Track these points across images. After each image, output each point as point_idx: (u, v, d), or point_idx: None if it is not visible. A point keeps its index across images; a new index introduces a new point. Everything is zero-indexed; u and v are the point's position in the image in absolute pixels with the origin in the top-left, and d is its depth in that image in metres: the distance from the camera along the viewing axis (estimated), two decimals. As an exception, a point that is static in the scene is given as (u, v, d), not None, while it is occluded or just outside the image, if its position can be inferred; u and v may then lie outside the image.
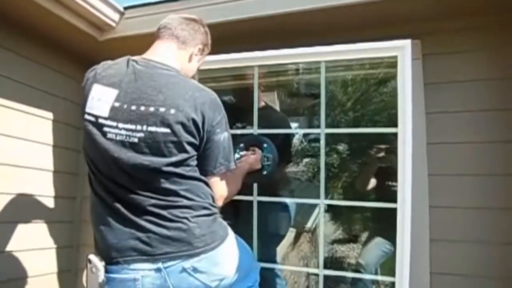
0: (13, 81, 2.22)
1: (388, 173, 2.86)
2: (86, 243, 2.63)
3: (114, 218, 1.30)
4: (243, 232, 1.73)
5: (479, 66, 2.05)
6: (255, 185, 2.12)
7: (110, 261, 1.30)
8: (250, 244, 1.99)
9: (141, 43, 1.88)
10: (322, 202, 2.10)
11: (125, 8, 2.33)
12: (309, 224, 3.73)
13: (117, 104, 1.29)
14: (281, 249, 2.56)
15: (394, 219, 1.89)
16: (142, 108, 1.28)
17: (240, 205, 2.22)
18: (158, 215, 1.29)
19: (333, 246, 4.23)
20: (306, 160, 4.22)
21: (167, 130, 1.27)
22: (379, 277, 1.99)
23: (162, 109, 1.27)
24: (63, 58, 2.55)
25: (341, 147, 4.00)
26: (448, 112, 2.05)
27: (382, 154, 2.99)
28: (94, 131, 1.30)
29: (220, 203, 1.48)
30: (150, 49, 1.47)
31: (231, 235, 1.47)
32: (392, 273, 1.90)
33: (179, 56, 1.47)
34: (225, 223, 1.47)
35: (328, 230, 3.84)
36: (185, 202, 1.32)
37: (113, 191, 1.32)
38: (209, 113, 1.33)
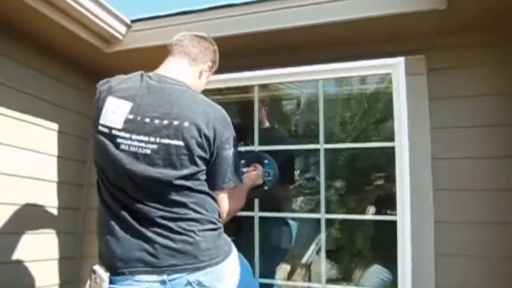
0: (19, 91, 2.24)
1: (387, 201, 2.85)
2: (89, 255, 2.62)
3: (121, 227, 1.30)
4: (243, 248, 1.75)
5: (485, 81, 2.07)
6: (256, 201, 2.19)
7: (114, 271, 1.29)
8: (251, 259, 2.08)
9: (148, 56, 1.96)
10: (323, 216, 2.16)
11: (132, 21, 2.37)
12: (304, 260, 3.76)
13: (131, 117, 1.31)
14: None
15: (393, 248, 1.92)
16: (156, 121, 1.30)
17: (240, 221, 2.24)
18: (166, 227, 1.29)
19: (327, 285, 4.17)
20: (302, 198, 4.32)
21: (180, 143, 1.29)
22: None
23: (176, 122, 1.30)
24: (70, 69, 2.59)
25: (339, 183, 4.04)
26: (453, 127, 2.06)
27: (380, 182, 2.99)
28: (107, 142, 1.31)
29: (226, 218, 1.50)
30: (162, 65, 1.50)
31: (235, 251, 1.47)
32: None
33: (190, 72, 1.51)
34: (229, 239, 1.47)
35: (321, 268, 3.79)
36: (193, 215, 1.32)
37: (121, 201, 1.32)
38: (219, 129, 1.36)
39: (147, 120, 1.30)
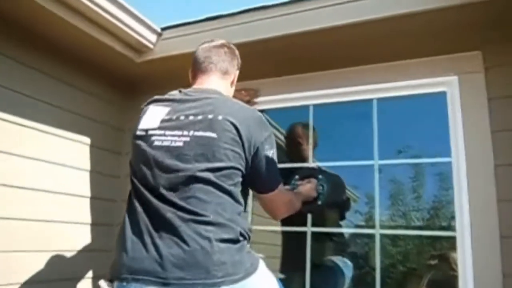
0: (50, 105, 2.29)
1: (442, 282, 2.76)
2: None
3: (136, 232, 1.30)
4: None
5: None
6: (309, 217, 2.26)
7: (119, 276, 1.27)
8: (304, 276, 2.22)
9: (179, 64, 1.97)
10: (378, 232, 2.14)
11: (162, 29, 2.39)
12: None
13: (167, 117, 1.43)
14: None
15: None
16: (191, 117, 1.39)
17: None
18: (180, 232, 1.25)
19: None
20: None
21: (213, 135, 1.34)
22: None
23: (210, 116, 1.38)
24: (101, 82, 2.64)
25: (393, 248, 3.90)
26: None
27: (435, 261, 2.94)
28: (142, 143, 1.41)
29: (282, 211, 1.65)
30: (195, 82, 1.62)
31: (262, 271, 1.38)
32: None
33: (223, 85, 1.62)
34: (256, 255, 1.40)
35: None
36: (212, 217, 1.28)
37: (143, 200, 1.34)
38: (256, 128, 1.42)
39: (182, 117, 1.40)
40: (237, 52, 1.71)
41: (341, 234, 2.55)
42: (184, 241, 1.23)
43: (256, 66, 2.19)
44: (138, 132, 1.44)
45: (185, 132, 1.36)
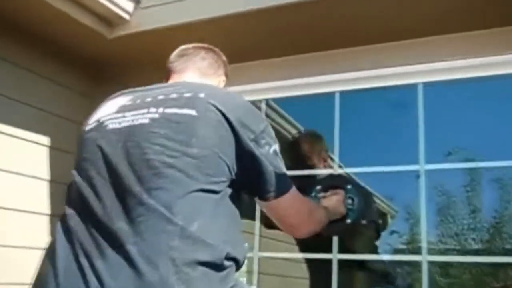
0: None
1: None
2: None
3: (70, 249, 1.06)
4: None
5: None
6: (335, 240, 2.01)
7: None
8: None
9: (162, 41, 1.83)
10: (425, 258, 1.91)
11: (142, -6, 2.15)
12: None
13: (128, 103, 1.26)
14: None
15: None
16: (161, 97, 1.23)
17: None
18: (128, 250, 0.98)
19: None
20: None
21: (193, 112, 1.15)
22: None
23: (188, 94, 1.21)
24: (63, 65, 2.46)
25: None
26: None
27: None
28: (92, 133, 1.22)
29: (301, 224, 1.42)
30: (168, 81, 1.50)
31: None
32: None
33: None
34: (247, 287, 1.21)
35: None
36: (182, 224, 1.00)
37: (85, 205, 1.10)
38: (250, 118, 1.23)
39: (148, 99, 1.23)
40: (224, 58, 1.57)
41: (380, 260, 2.29)
42: (136, 266, 0.97)
43: (266, 42, 2.07)
44: (86, 127, 1.26)
45: (152, 109, 1.17)
